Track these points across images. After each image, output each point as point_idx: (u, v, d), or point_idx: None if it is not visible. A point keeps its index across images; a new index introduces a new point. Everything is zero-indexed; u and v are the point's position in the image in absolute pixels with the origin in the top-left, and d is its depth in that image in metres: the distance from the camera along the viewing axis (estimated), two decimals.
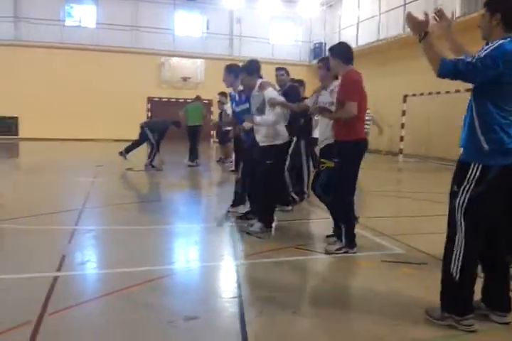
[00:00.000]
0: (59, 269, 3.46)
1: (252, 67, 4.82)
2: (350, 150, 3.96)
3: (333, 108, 4.18)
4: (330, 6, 22.03)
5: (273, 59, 20.83)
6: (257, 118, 4.69)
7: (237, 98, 5.27)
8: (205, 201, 7.25)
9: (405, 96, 14.57)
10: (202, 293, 3.16)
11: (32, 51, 19.14)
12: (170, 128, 10.48)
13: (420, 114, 14.36)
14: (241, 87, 5.07)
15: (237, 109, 5.29)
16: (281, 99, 4.78)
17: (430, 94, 13.41)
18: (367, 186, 8.08)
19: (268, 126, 4.68)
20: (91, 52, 19.66)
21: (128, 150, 10.54)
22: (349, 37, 19.33)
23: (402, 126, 14.67)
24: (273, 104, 4.57)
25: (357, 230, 4.24)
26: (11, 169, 10.75)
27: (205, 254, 4.17)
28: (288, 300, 3.00)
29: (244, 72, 4.83)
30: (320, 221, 5.56)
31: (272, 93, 4.69)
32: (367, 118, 9.93)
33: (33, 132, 19.28)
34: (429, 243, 4.30)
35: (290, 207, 5.88)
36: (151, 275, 3.38)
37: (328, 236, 4.47)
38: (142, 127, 10.50)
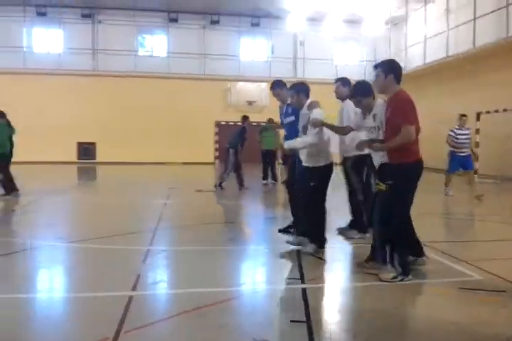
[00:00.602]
0: (134, 288, 3.62)
1: (303, 87, 4.91)
2: (407, 172, 3.70)
3: (379, 133, 4.01)
4: (395, 24, 21.78)
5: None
6: (292, 142, 4.82)
7: (284, 111, 5.44)
8: (272, 223, 7.28)
9: (479, 114, 13.92)
10: (270, 316, 3.17)
11: (108, 80, 20.51)
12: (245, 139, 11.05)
13: (495, 132, 13.64)
14: (289, 100, 5.20)
15: (285, 121, 5.43)
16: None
17: (505, 110, 12.74)
18: (439, 208, 7.75)
19: (311, 147, 4.67)
20: (162, 79, 20.74)
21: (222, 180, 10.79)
22: (416, 55, 18.97)
23: (477, 145, 13.99)
24: (315, 124, 4.56)
25: (432, 255, 4.07)
26: (90, 191, 11.44)
27: (272, 277, 4.18)
28: (358, 327, 2.93)
29: (294, 91, 4.90)
30: None
31: (317, 113, 4.67)
32: (464, 136, 9.62)
33: (108, 156, 20.47)
34: (509, 269, 4.04)
35: (368, 234, 5.29)
36: (221, 297, 3.44)
37: (366, 261, 4.19)
38: (228, 149, 10.95)
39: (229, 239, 5.65)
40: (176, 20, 21.31)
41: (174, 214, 7.54)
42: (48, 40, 21.17)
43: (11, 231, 5.85)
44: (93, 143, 21.11)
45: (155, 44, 22.23)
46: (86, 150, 21.08)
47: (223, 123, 22.00)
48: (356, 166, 5.36)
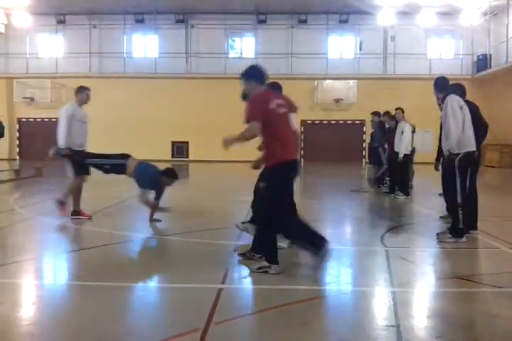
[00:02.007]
0: (223, 282, 3.76)
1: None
2: (274, 174, 3.89)
3: None
4: (494, 14, 20.24)
5: (431, 75, 19.88)
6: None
7: None
8: (357, 223, 7.15)
9: None
10: (356, 318, 3.12)
11: (200, 82, 21.37)
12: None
13: None
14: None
15: None
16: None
17: None
18: None
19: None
20: None
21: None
22: None
23: None
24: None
25: None
26: (185, 188, 12.01)
27: (359, 278, 4.12)
28: (452, 335, 2.80)
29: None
30: (487, 250, 5.08)
31: None
32: None
33: (200, 154, 21.34)
34: None
35: (463, 239, 5.08)
36: (306, 295, 3.46)
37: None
38: (376, 148, 10.53)
39: None
40: (264, 22, 21.64)
41: None
42: (145, 45, 22.58)
43: (114, 224, 6.32)
44: (186, 142, 22.16)
45: (244, 46, 22.75)
46: (179, 149, 22.23)
47: (309, 122, 21.94)
48: (462, 165, 5.03)
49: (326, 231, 6.27)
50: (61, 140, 6.26)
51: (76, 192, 6.42)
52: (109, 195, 9.44)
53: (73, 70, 21.34)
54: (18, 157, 22.59)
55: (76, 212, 6.39)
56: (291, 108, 4.28)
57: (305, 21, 21.53)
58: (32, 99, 21.77)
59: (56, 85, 21.50)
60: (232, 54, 22.82)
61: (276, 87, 4.64)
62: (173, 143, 22.27)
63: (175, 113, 21.38)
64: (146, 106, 21.27)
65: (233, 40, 23.07)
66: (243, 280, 3.92)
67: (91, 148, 6.76)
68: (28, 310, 3.27)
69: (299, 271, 4.19)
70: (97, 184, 9.23)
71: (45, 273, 4.38)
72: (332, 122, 22.08)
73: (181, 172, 16.02)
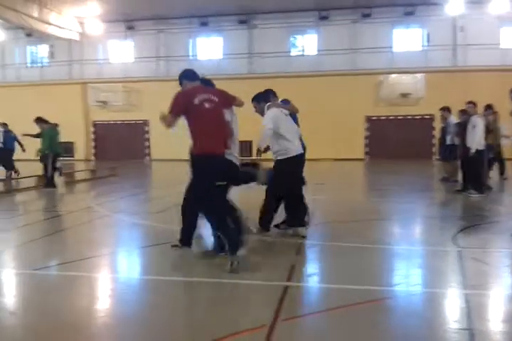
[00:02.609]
0: (289, 279, 3.79)
1: (260, 96, 5.91)
2: (195, 163, 4.19)
3: None
4: None
5: (504, 65, 18.77)
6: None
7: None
8: (427, 222, 6.90)
9: None
10: (427, 320, 3.03)
11: (262, 82, 21.45)
12: None
13: None
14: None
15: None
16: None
17: None
18: None
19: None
20: (312, 78, 21.03)
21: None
22: None
23: None
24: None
25: None
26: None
27: (429, 279, 3.99)
28: None
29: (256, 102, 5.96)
30: None
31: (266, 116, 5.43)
32: None
33: (266, 154, 21.44)
34: None
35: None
36: (373, 296, 3.41)
37: None
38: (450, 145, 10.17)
39: (382, 236, 5.53)
40: (326, 18, 21.39)
41: (325, 209, 7.62)
42: (209, 47, 23.10)
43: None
44: (249, 141, 22.41)
45: (306, 43, 22.64)
46: (244, 148, 22.51)
47: (374, 118, 21.43)
48: None
49: (396, 230, 6.15)
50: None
51: None
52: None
53: (142, 74, 22.28)
54: (93, 158, 23.95)
55: None
56: (225, 103, 4.47)
57: (368, 15, 21.02)
58: (105, 103, 22.97)
59: (127, 89, 22.54)
60: (294, 52, 22.78)
61: (207, 83, 4.77)
62: (240, 142, 22.61)
63: (238, 113, 21.64)
64: None
65: (295, 38, 23.02)
66: (309, 278, 3.93)
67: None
68: (104, 302, 3.49)
69: (365, 271, 4.13)
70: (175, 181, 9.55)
71: (119, 267, 4.64)
72: (399, 118, 21.40)
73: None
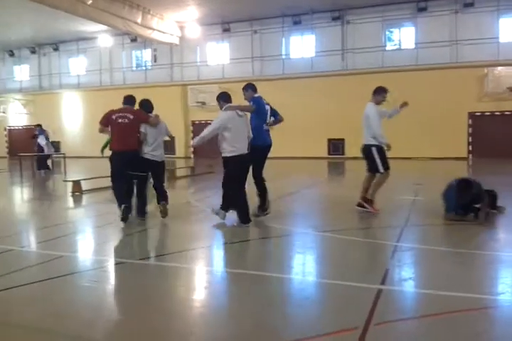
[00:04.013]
0: (383, 282, 3.72)
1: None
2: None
3: None
4: None
5: None
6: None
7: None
8: None
9: None
10: None
11: (355, 78, 21.05)
12: None
13: None
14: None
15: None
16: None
17: None
18: None
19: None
20: (409, 72, 20.15)
21: None
22: None
23: None
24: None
25: None
26: (338, 185, 12.02)
27: None
28: None
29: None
30: None
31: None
32: None
33: (356, 152, 21.03)
34: None
35: None
36: (474, 304, 3.24)
37: None
38: None
39: (482, 242, 5.20)
40: (424, 9, 20.36)
41: (423, 211, 7.31)
42: (302, 45, 23.10)
43: (273, 219, 6.66)
44: (342, 140, 22.11)
45: (403, 37, 21.74)
46: (335, 146, 22.32)
47: (478, 113, 20.00)
48: None
49: (501, 236, 5.72)
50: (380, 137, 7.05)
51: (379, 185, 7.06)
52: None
53: (238, 75, 22.90)
54: (192, 155, 25.13)
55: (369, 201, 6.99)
56: (138, 119, 6.48)
57: (471, 5, 19.63)
58: (203, 103, 23.97)
59: (223, 89, 23.24)
60: (389, 46, 21.98)
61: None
62: (329, 140, 22.44)
63: (330, 110, 21.48)
64: (302, 104, 21.76)
65: (391, 32, 22.19)
66: (404, 282, 3.81)
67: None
68: (200, 293, 3.69)
69: (464, 277, 3.92)
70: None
71: (215, 260, 4.86)
72: (506, 113, 19.78)
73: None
